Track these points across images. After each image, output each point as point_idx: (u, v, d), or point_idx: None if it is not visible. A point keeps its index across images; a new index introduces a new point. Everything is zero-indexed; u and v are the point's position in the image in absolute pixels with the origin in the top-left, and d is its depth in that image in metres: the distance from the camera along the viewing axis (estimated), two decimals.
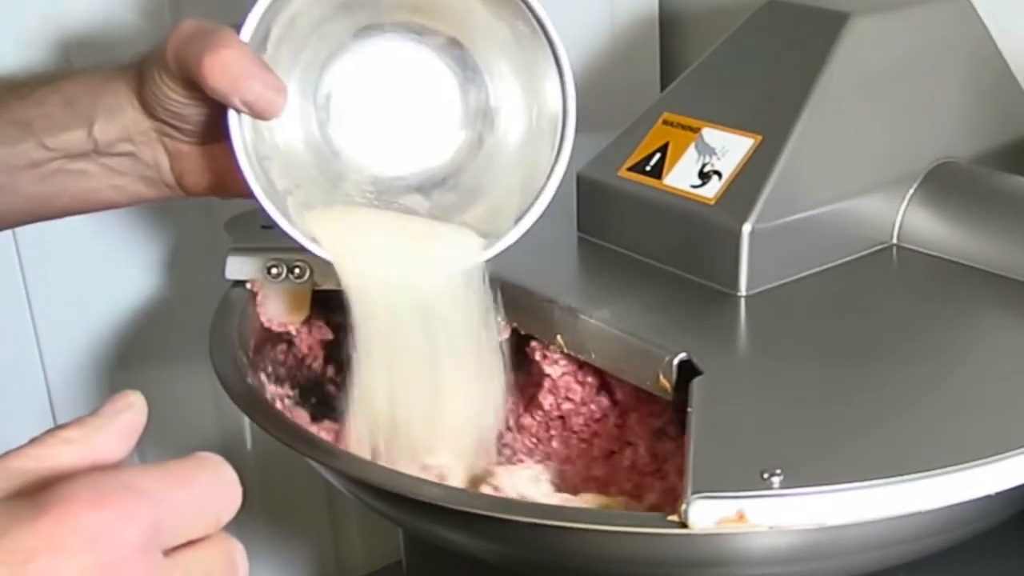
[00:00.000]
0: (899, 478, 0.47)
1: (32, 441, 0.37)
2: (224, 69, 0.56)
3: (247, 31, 0.57)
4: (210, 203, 0.84)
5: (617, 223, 0.68)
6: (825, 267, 0.65)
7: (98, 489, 0.34)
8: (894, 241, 0.67)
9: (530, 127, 0.61)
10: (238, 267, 0.69)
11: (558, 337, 0.61)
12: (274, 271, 0.68)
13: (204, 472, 0.38)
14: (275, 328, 0.70)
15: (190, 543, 0.37)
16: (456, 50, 0.61)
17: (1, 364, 0.87)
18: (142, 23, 0.84)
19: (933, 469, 0.48)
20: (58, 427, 0.37)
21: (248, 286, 0.69)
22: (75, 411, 0.89)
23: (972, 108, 0.70)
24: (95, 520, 0.33)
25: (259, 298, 0.69)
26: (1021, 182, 0.67)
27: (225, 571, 0.38)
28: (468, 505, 0.52)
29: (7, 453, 0.36)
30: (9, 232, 0.85)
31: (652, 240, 0.66)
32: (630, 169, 0.67)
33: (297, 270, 0.68)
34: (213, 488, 0.38)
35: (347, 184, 0.61)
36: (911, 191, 0.67)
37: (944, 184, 0.67)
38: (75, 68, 0.66)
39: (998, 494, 0.49)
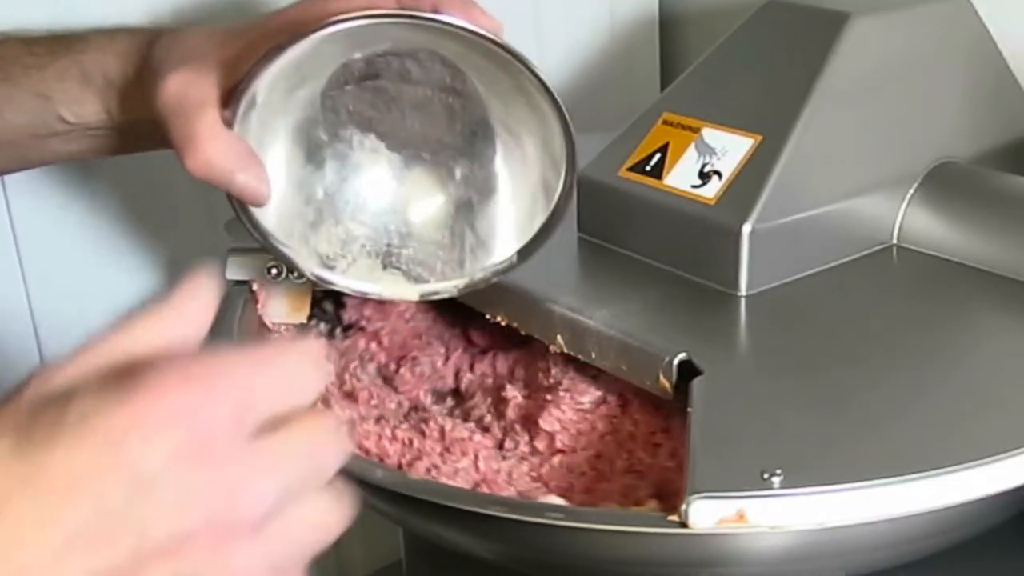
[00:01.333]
0: (899, 478, 0.47)
1: (112, 327, 0.37)
2: (208, 168, 0.57)
3: (237, 111, 0.57)
4: (211, 203, 0.84)
5: (617, 223, 0.68)
6: (825, 267, 0.65)
7: (185, 370, 0.34)
8: (894, 241, 0.67)
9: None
10: (238, 267, 0.69)
11: (558, 337, 0.61)
12: (274, 271, 0.68)
13: (290, 352, 0.38)
14: (276, 328, 0.70)
15: (279, 423, 0.36)
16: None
17: (1, 364, 0.87)
18: None
19: (933, 469, 0.48)
20: (134, 313, 0.37)
21: (253, 287, 0.69)
22: None
23: (972, 108, 0.70)
24: (183, 400, 0.34)
25: (260, 298, 0.69)
26: (1021, 182, 0.67)
27: (315, 448, 0.37)
28: (468, 504, 0.52)
29: (89, 341, 0.37)
30: (9, 232, 0.85)
31: (652, 240, 0.66)
32: (630, 169, 0.67)
33: (297, 271, 0.68)
34: (300, 366, 0.37)
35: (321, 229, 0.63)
36: (911, 191, 0.67)
37: (944, 184, 0.67)
38: (89, 32, 0.68)
39: (998, 494, 0.49)
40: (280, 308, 0.69)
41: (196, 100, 0.57)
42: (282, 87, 0.58)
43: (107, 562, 0.32)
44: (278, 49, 0.55)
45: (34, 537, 0.32)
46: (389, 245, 0.65)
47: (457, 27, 0.55)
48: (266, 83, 0.57)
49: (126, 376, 0.34)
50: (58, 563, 0.32)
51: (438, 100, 0.62)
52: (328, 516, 0.38)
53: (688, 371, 0.55)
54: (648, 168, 0.66)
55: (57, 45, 0.66)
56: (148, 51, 0.63)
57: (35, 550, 0.32)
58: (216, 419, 0.34)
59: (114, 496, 0.33)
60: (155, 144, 0.64)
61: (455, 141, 0.64)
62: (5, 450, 0.33)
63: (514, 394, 0.64)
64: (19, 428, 0.33)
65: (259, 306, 0.69)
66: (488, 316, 0.66)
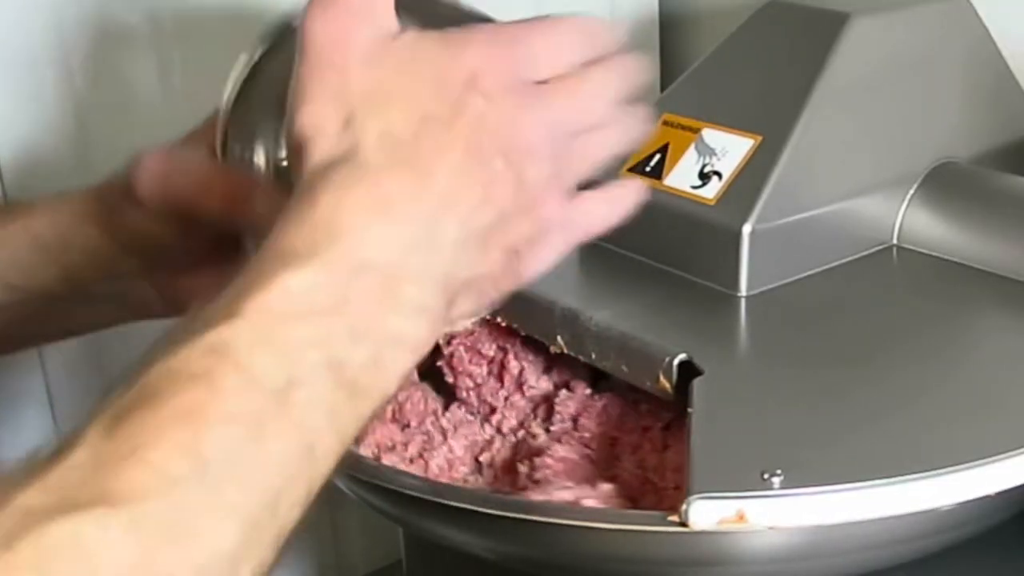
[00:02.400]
0: (899, 478, 0.47)
1: None
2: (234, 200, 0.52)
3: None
4: None
5: (617, 224, 0.68)
6: (825, 267, 0.65)
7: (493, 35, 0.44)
8: (894, 241, 0.67)
9: None
10: None
11: (558, 338, 0.61)
12: None
13: (567, 20, 0.46)
14: None
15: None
16: None
17: (1, 364, 0.87)
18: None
19: (933, 469, 0.48)
20: None
21: None
22: (75, 411, 0.89)
23: (972, 108, 0.70)
24: (494, 58, 0.43)
25: None
26: (1021, 182, 0.67)
27: (598, 87, 0.46)
28: (468, 503, 0.52)
29: None
30: None
31: (652, 241, 0.66)
32: (630, 170, 0.67)
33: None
34: (578, 26, 0.46)
35: None
36: (911, 191, 0.67)
37: (944, 184, 0.67)
38: (36, 199, 0.62)
39: (998, 494, 0.49)
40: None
41: (178, 155, 0.55)
42: None
43: (474, 193, 0.42)
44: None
45: (418, 198, 0.41)
46: None
47: None
48: None
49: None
50: (448, 205, 0.41)
51: None
52: (618, 137, 0.48)
53: (688, 371, 0.55)
54: (648, 168, 0.66)
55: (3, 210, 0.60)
56: (102, 194, 0.58)
57: (418, 209, 0.41)
58: (511, 71, 0.43)
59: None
60: (130, 310, 0.60)
61: None
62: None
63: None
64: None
65: None
66: (489, 315, 0.67)
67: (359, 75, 0.42)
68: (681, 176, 0.65)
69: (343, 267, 0.39)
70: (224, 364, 0.36)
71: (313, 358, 0.37)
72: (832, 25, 0.65)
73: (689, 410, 0.52)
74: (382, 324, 0.39)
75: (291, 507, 0.37)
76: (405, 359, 0.40)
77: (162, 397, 0.35)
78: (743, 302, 0.62)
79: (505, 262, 0.44)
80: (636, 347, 0.58)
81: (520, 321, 0.64)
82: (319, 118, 0.42)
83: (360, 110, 0.42)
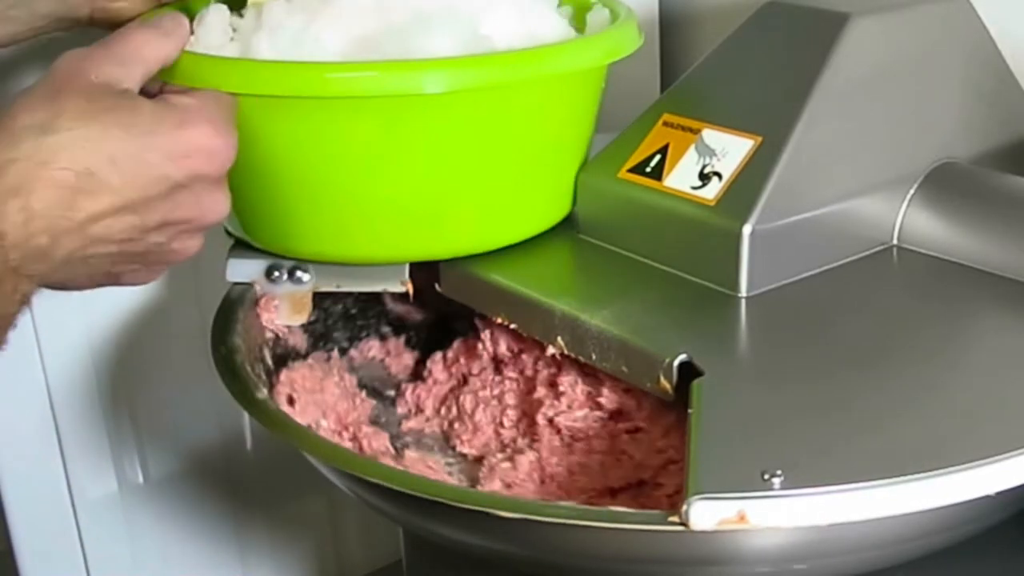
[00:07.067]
0: (899, 478, 0.47)
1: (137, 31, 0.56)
2: None
3: None
4: None
5: (617, 224, 0.68)
6: (825, 268, 0.65)
7: (215, 123, 0.55)
8: (894, 242, 0.67)
9: None
10: (239, 270, 0.69)
11: (558, 338, 0.61)
12: (275, 274, 0.68)
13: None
14: (276, 330, 0.70)
15: None
16: None
17: (1, 364, 0.87)
18: None
19: (933, 469, 0.48)
20: (144, 24, 0.57)
21: (256, 288, 0.69)
22: (75, 411, 0.89)
23: (972, 108, 0.70)
24: (211, 144, 0.55)
25: (261, 301, 0.69)
26: (1021, 182, 0.67)
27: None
28: (468, 503, 0.52)
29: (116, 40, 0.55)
30: None
31: (652, 241, 0.66)
32: (630, 171, 0.67)
33: (298, 273, 0.68)
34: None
35: None
36: (911, 191, 0.67)
37: (944, 184, 0.67)
38: None
39: (998, 494, 0.49)
40: (281, 310, 0.69)
41: None
42: None
43: (117, 228, 0.52)
44: None
45: (77, 205, 0.50)
46: None
47: None
48: None
49: (173, 113, 0.53)
50: (82, 228, 0.51)
51: None
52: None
53: (688, 372, 0.55)
54: (648, 169, 0.66)
55: None
56: None
57: (76, 213, 0.50)
58: (221, 164, 0.55)
59: (148, 192, 0.52)
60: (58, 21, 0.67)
61: None
62: (85, 138, 0.50)
63: None
64: (85, 111, 0.50)
65: (260, 309, 0.69)
66: (489, 315, 0.67)
67: None
68: (681, 177, 0.65)
69: None
70: None
71: None
72: (832, 25, 0.65)
73: (689, 410, 0.52)
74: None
75: None
76: None
77: None
78: (743, 302, 0.62)
79: (103, 279, 0.55)
80: (636, 348, 0.58)
81: (520, 322, 0.64)
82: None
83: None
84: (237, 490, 1.00)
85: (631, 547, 0.51)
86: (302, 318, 0.70)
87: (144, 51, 0.55)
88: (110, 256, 0.53)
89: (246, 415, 0.66)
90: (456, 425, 0.71)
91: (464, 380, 0.73)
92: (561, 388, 0.67)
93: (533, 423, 0.68)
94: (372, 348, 0.77)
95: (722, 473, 0.48)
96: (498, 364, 0.72)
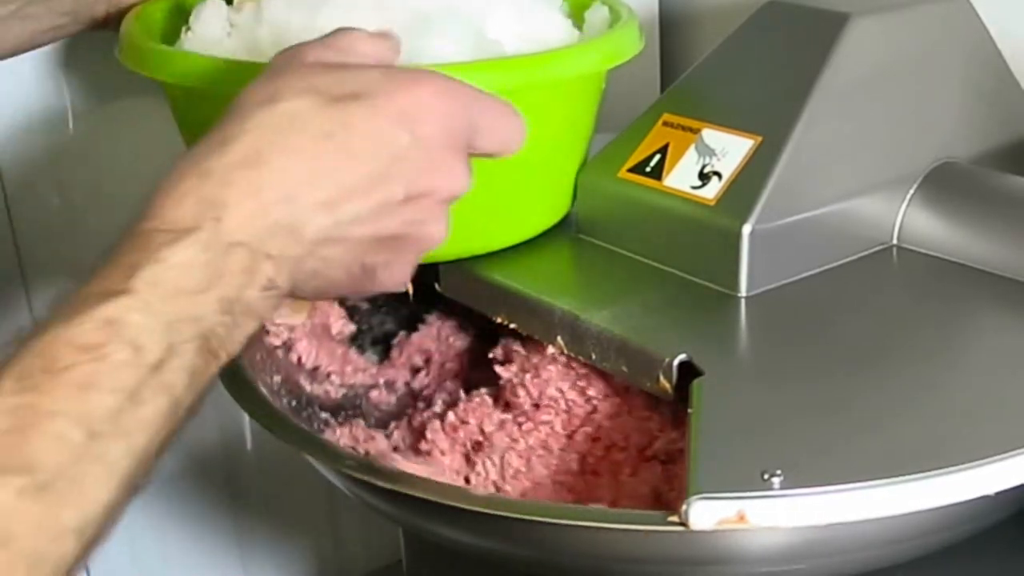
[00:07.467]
0: (899, 478, 0.47)
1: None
2: None
3: None
4: None
5: (617, 224, 0.68)
6: (825, 268, 0.65)
7: (444, 84, 0.48)
8: (894, 241, 0.67)
9: None
10: None
11: (558, 338, 0.61)
12: None
13: (513, 112, 0.52)
14: (276, 329, 0.70)
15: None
16: None
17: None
18: None
19: (933, 469, 0.48)
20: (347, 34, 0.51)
21: None
22: None
23: (972, 108, 0.70)
24: (441, 105, 0.48)
25: None
26: (1021, 182, 0.67)
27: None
28: (468, 503, 0.52)
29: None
30: (9, 232, 0.85)
31: (652, 241, 0.66)
32: (630, 170, 0.67)
33: None
34: (515, 123, 0.52)
35: None
36: (911, 191, 0.67)
37: (944, 184, 0.67)
38: None
39: (998, 494, 0.49)
40: (282, 310, 0.69)
41: None
42: None
43: (367, 206, 0.46)
44: None
45: (319, 179, 0.45)
46: None
47: None
48: None
49: (402, 73, 0.48)
50: (332, 204, 0.45)
51: None
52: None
53: (688, 372, 0.55)
54: (648, 169, 0.66)
55: None
56: None
57: (318, 191, 0.45)
58: (459, 128, 0.48)
59: (384, 158, 0.46)
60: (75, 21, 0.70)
61: None
62: (313, 105, 0.46)
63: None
64: (319, 91, 0.46)
65: None
66: (489, 315, 0.67)
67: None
68: (681, 176, 0.65)
69: (220, 245, 0.43)
70: (114, 340, 0.40)
71: (189, 332, 0.42)
72: (832, 25, 0.65)
73: (689, 410, 0.52)
74: (243, 297, 0.44)
75: (153, 457, 0.42)
76: (250, 327, 0.45)
77: (60, 366, 0.40)
78: (743, 302, 0.62)
79: (359, 274, 0.49)
80: (636, 347, 0.58)
81: (520, 321, 0.64)
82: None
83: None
84: (237, 490, 1.01)
85: (631, 547, 0.51)
86: (301, 318, 0.70)
87: (359, 46, 0.51)
88: (362, 242, 0.47)
89: (246, 415, 0.66)
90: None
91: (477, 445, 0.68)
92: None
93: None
94: None
95: (722, 473, 0.48)
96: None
